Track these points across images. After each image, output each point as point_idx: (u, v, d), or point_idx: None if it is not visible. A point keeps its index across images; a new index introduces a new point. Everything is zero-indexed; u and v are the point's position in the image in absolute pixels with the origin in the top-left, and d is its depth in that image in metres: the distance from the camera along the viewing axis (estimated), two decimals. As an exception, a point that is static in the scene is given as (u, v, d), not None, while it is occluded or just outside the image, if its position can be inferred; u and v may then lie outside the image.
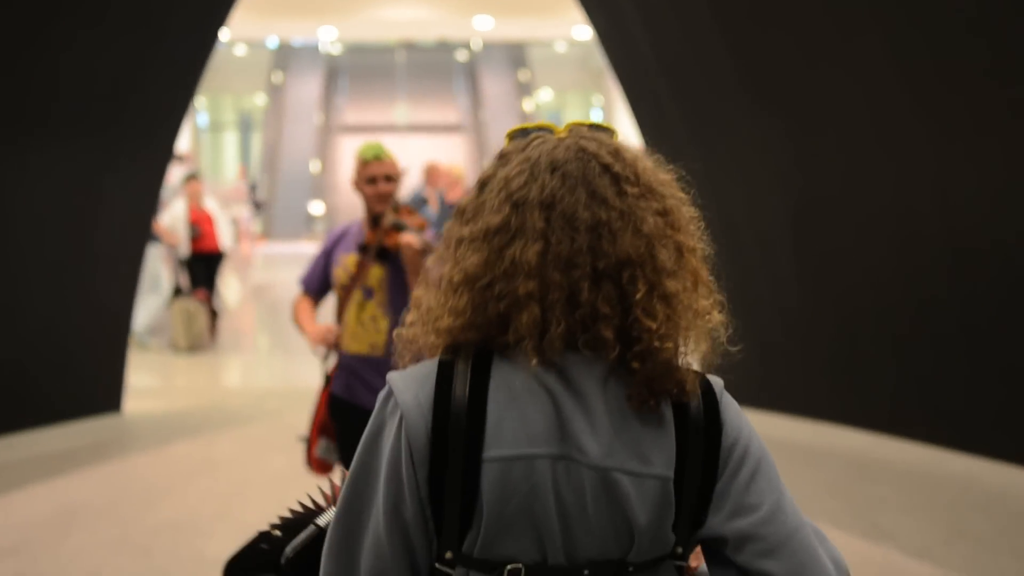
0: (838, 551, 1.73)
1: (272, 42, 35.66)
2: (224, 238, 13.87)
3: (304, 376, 11.75)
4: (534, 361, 1.64)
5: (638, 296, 1.65)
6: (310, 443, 4.96)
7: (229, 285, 19.06)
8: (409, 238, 4.55)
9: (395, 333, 1.82)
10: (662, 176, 1.78)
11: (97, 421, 8.87)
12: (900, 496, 6.86)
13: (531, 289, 1.64)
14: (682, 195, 1.80)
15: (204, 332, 13.20)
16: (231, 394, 11.11)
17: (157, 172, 9.62)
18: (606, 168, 1.71)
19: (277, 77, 38.84)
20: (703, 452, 1.68)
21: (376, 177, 4.79)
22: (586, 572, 1.66)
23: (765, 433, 6.55)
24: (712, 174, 9.30)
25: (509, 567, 1.65)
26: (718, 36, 8.63)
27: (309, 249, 30.75)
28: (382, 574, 1.68)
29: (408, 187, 12.11)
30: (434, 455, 1.64)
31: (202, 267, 13.62)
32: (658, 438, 1.66)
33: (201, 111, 37.76)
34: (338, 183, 35.41)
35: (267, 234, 33.36)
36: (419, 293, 1.80)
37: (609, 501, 1.63)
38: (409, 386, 1.69)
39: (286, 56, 39.03)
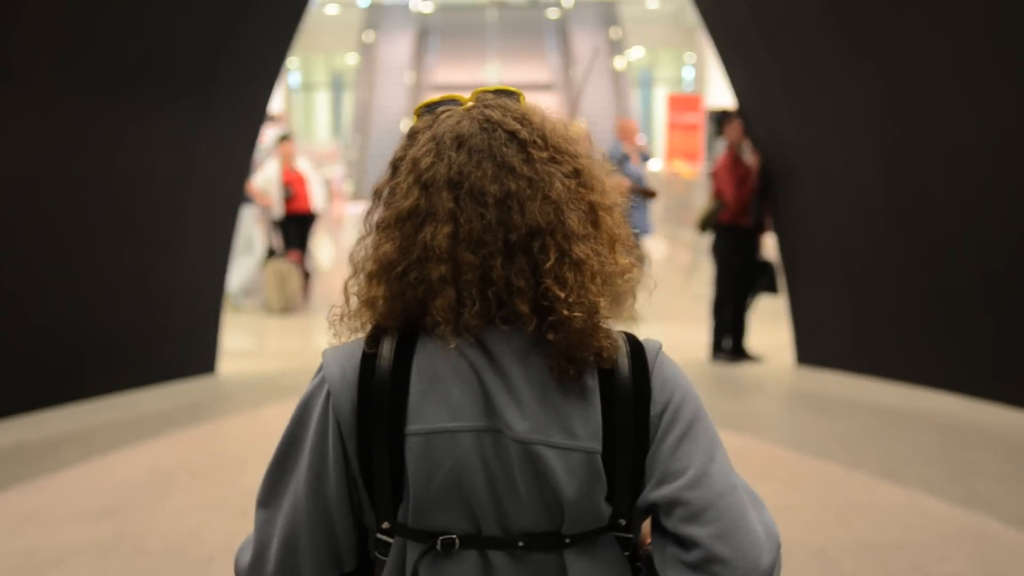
0: (771, 518, 1.69)
1: (364, 1, 35.71)
2: (317, 199, 13.94)
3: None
4: (453, 344, 1.64)
5: (547, 265, 1.63)
6: None
7: (321, 246, 19.19)
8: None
9: (327, 317, 1.84)
10: (571, 135, 1.76)
11: (193, 383, 9.00)
12: (998, 463, 6.75)
13: (444, 272, 1.64)
14: (595, 151, 1.78)
15: (297, 293, 13.30)
16: (295, 355, 11.18)
17: (251, 132, 9.68)
18: (512, 135, 1.70)
19: (368, 36, 38.97)
20: (632, 421, 1.67)
21: None
22: (520, 543, 1.68)
23: (857, 397, 6.49)
24: (806, 131, 9.19)
25: (443, 538, 1.67)
26: (813, -8, 8.52)
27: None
28: (295, 534, 1.72)
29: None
30: (360, 429, 1.67)
31: (295, 228, 13.71)
32: (583, 409, 1.65)
33: (293, 71, 37.98)
34: (429, 142, 35.52)
35: (358, 194, 33.55)
36: (346, 278, 1.80)
37: (535, 474, 1.63)
38: (337, 361, 1.72)
39: (377, 15, 39.16)
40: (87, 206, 7.80)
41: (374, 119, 36.73)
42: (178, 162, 8.59)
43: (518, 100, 1.80)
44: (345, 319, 1.78)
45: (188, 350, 9.21)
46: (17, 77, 7.05)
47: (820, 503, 5.99)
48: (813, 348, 9.59)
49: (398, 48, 39.06)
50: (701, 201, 17.22)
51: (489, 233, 1.63)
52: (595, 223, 1.70)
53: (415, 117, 1.82)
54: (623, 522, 1.70)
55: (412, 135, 1.77)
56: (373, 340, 1.72)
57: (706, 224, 10.01)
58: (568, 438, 1.63)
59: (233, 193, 9.63)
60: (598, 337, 1.66)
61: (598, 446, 1.64)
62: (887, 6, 7.89)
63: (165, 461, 6.89)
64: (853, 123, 8.59)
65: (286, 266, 13.18)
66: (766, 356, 10.09)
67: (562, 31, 39.91)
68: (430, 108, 1.81)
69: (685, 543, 1.64)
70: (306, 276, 13.86)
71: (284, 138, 14.12)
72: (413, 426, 1.65)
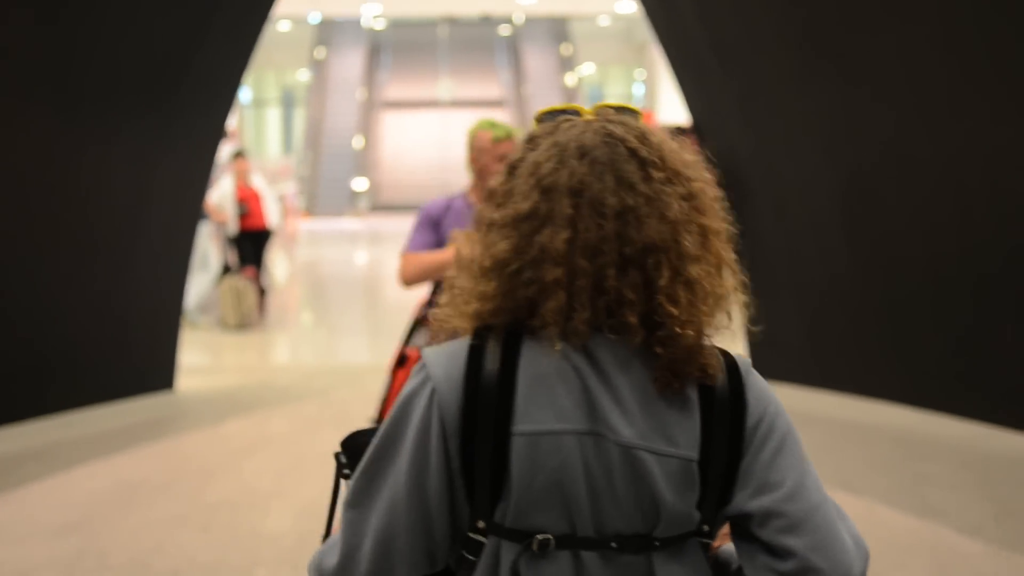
0: (857, 530, 1.77)
1: (315, 17, 35.71)
2: (271, 215, 13.95)
3: (351, 353, 11.86)
4: (558, 346, 1.68)
5: (662, 282, 1.68)
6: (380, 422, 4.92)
7: (276, 262, 19.17)
8: None
9: (430, 314, 1.88)
10: (687, 158, 1.80)
11: (152, 399, 8.98)
12: (950, 473, 6.87)
13: (558, 276, 1.68)
14: (707, 176, 1.82)
15: (253, 310, 13.29)
16: (281, 372, 11.21)
17: (210, 150, 9.69)
18: (633, 153, 1.74)
19: (320, 53, 38.98)
20: (728, 432, 1.72)
21: (507, 155, 4.82)
22: (613, 544, 1.71)
23: (813, 410, 6.62)
24: (761, 148, 9.29)
25: (539, 537, 1.70)
26: (764, 8, 8.61)
27: (352, 225, 30.93)
28: (391, 534, 1.73)
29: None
30: (465, 428, 1.69)
31: (250, 245, 13.70)
32: (683, 419, 1.70)
33: (244, 87, 37.91)
34: (381, 159, 35.53)
35: (311, 211, 33.52)
36: (452, 275, 1.84)
37: (635, 478, 1.68)
38: (441, 361, 1.74)
39: (329, 31, 39.16)
40: (47, 223, 7.80)
41: (326, 135, 36.72)
42: (138, 179, 8.59)
43: (638, 118, 1.84)
44: (449, 308, 1.82)
45: (147, 366, 9.20)
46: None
47: (778, 514, 6.06)
48: (768, 362, 9.65)
49: (349, 64, 39.08)
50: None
51: (606, 244, 1.68)
52: (706, 245, 1.75)
53: (535, 123, 1.86)
54: (706, 528, 1.75)
55: (532, 140, 1.82)
56: (477, 343, 1.74)
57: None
58: (669, 445, 1.69)
59: (192, 210, 9.63)
60: (704, 355, 1.72)
61: (695, 454, 1.70)
62: (841, 26, 8.00)
63: (127, 476, 6.89)
64: (807, 140, 8.70)
65: (241, 282, 13.16)
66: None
67: (513, 47, 40.08)
68: (551, 116, 1.85)
69: (779, 553, 1.70)
70: (262, 292, 13.86)
71: (239, 155, 14.11)
72: (520, 426, 1.68)
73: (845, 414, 8.24)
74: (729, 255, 1.82)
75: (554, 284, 1.68)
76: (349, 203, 33.97)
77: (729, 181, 7.40)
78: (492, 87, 38.72)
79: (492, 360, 1.71)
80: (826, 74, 8.27)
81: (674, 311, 1.68)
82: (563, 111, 1.85)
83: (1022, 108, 7.08)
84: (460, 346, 1.76)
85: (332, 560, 1.79)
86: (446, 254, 4.78)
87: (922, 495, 6.43)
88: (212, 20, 8.78)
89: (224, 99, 9.61)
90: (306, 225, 30.19)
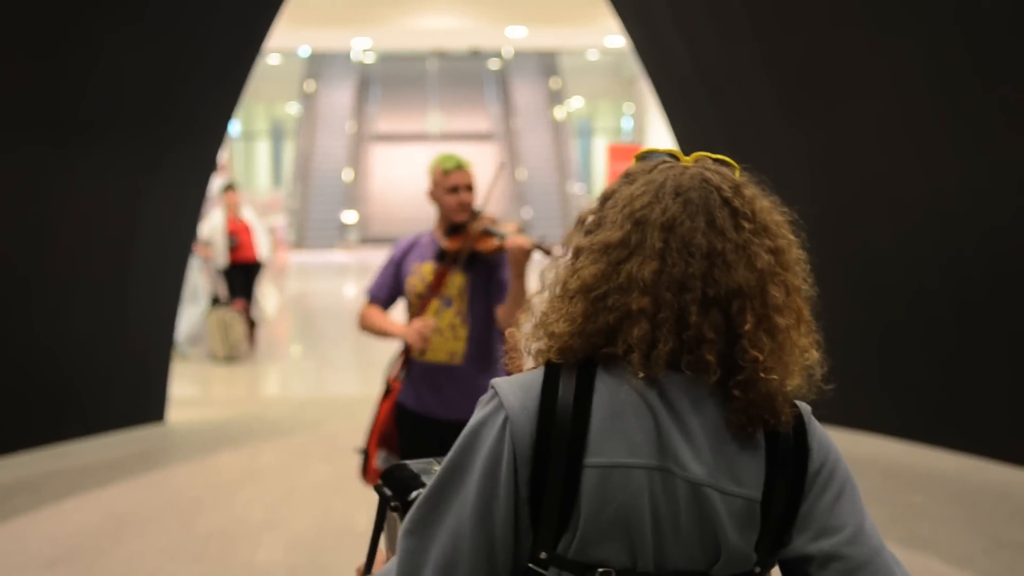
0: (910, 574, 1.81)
1: (304, 51, 35.81)
2: (261, 248, 13.97)
3: (341, 385, 11.87)
4: (641, 374, 1.71)
5: (747, 327, 1.72)
6: (368, 455, 4.94)
7: (266, 295, 19.17)
8: (520, 239, 4.54)
9: (508, 332, 1.91)
10: (776, 217, 1.86)
11: (142, 431, 8.99)
12: (939, 505, 6.90)
13: (644, 305, 1.71)
14: (793, 237, 1.87)
15: (241, 341, 13.28)
16: (271, 404, 11.21)
17: (200, 182, 9.72)
18: (726, 201, 1.79)
19: (309, 86, 39.03)
20: (791, 476, 1.75)
21: (458, 186, 4.85)
22: None
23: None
24: (748, 180, 9.34)
25: (600, 570, 1.71)
26: (752, 43, 8.69)
27: (342, 258, 30.95)
28: (454, 561, 1.72)
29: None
30: (537, 458, 1.70)
31: (240, 277, 13.71)
32: (750, 460, 1.73)
33: (234, 120, 37.98)
34: (371, 192, 35.56)
35: (300, 243, 33.51)
36: (535, 296, 1.87)
37: (700, 515, 1.70)
38: (515, 391, 1.76)
39: (318, 65, 39.23)
40: (36, 254, 7.82)
41: (315, 168, 36.74)
42: (129, 211, 8.62)
43: (735, 171, 1.91)
44: (529, 328, 1.85)
45: (138, 398, 9.21)
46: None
47: (768, 545, 6.08)
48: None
49: (339, 98, 39.13)
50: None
51: (691, 281, 1.71)
52: (789, 300, 1.80)
53: (635, 161, 1.91)
54: (758, 570, 1.78)
55: (628, 175, 1.87)
56: (552, 374, 1.77)
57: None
58: (735, 485, 1.71)
59: (183, 243, 9.65)
60: (781, 403, 1.76)
61: (759, 495, 1.73)
62: (829, 60, 8.08)
63: (118, 508, 6.90)
64: (795, 173, 8.75)
65: (228, 314, 13.15)
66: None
67: (502, 81, 40.17)
68: (650, 155, 1.91)
69: None
70: (251, 325, 13.86)
71: (229, 187, 14.13)
72: (592, 459, 1.69)
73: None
74: (807, 313, 1.86)
75: (639, 312, 1.71)
76: (338, 236, 33.97)
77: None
78: (481, 120, 38.79)
79: (567, 391, 1.73)
80: (813, 107, 8.34)
81: (759, 356, 1.72)
82: (664, 153, 1.91)
83: (1009, 145, 7.14)
84: (534, 376, 1.78)
85: None
86: (396, 328, 4.86)
87: (911, 527, 6.46)
88: (203, 54, 8.83)
89: (214, 132, 9.65)
90: (296, 257, 30.20)
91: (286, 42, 30.48)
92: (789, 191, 7.12)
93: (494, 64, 40.22)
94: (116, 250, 8.61)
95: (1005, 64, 7.01)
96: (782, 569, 1.83)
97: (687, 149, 6.96)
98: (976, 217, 7.46)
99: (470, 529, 1.72)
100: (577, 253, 1.82)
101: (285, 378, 13.15)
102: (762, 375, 1.72)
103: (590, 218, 1.85)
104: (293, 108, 41.34)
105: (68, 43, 7.58)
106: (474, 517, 1.72)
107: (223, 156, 20.90)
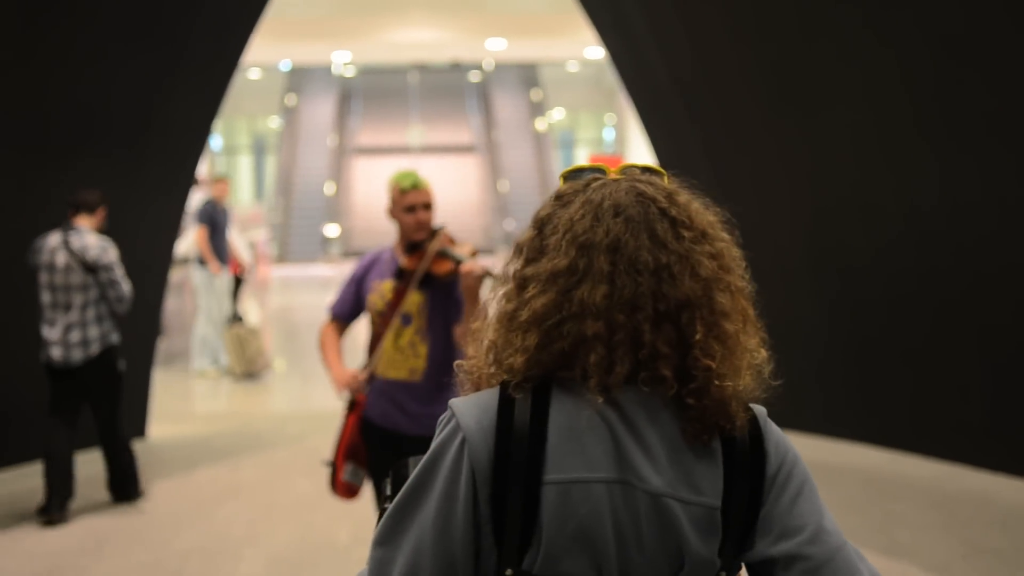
0: (876, 569, 1.81)
1: (285, 65, 35.82)
2: (243, 262, 13.94)
3: (324, 400, 11.82)
4: (600, 399, 1.72)
5: (697, 337, 1.74)
6: (336, 468, 4.95)
7: (248, 309, 19.14)
8: (471, 266, 4.53)
9: (456, 364, 1.91)
10: (711, 218, 1.87)
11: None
12: (918, 513, 6.93)
13: (598, 330, 1.73)
14: (728, 236, 1.89)
15: (259, 356, 13.21)
16: (253, 418, 11.19)
17: (180, 195, 9.71)
18: (664, 212, 1.80)
19: (291, 100, 39.05)
20: (749, 480, 1.77)
21: (415, 205, 4.83)
22: None
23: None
24: (727, 191, 9.37)
25: None
26: (729, 52, 8.72)
27: (325, 272, 30.94)
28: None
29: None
30: (496, 477, 1.72)
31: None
32: (708, 469, 1.75)
33: (215, 134, 37.92)
34: (353, 205, 35.55)
35: (283, 257, 33.49)
36: (479, 326, 1.89)
37: (662, 526, 1.72)
38: (472, 411, 1.78)
39: (299, 79, 39.25)
40: (12, 267, 7.80)
41: (297, 182, 36.76)
42: (109, 225, 8.60)
43: (663, 178, 1.90)
44: (478, 360, 1.86)
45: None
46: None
47: (748, 555, 6.09)
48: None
49: (320, 111, 39.16)
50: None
51: (642, 299, 1.73)
52: (734, 303, 1.82)
53: (562, 180, 1.92)
54: (724, 574, 1.79)
55: (560, 197, 1.87)
56: (507, 393, 1.78)
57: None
58: (694, 493, 1.73)
59: (163, 256, 9.64)
60: (735, 408, 1.78)
61: (719, 502, 1.74)
62: (805, 69, 8.12)
63: (99, 524, 6.88)
64: (773, 182, 8.79)
65: (244, 330, 13.12)
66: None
67: (484, 93, 40.22)
68: (577, 173, 1.91)
69: None
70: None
71: (220, 179, 14.05)
72: (551, 475, 1.71)
73: (813, 455, 8.26)
74: (752, 312, 1.89)
75: (594, 338, 1.73)
76: (321, 249, 33.96)
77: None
78: (463, 133, 38.83)
79: (523, 411, 1.75)
80: (790, 116, 8.38)
81: (710, 363, 1.74)
82: (590, 169, 1.91)
83: (989, 160, 7.19)
84: (490, 397, 1.80)
85: None
86: (333, 371, 4.93)
87: (891, 534, 6.48)
88: (180, 67, 8.83)
89: (194, 146, 9.65)
90: (278, 271, 30.17)
91: (267, 56, 30.44)
92: (766, 199, 7.19)
93: (475, 76, 40.27)
94: (95, 266, 8.59)
95: (982, 73, 7.05)
96: (749, 572, 1.84)
97: (665, 159, 7.04)
98: (953, 226, 7.50)
99: (430, 547, 1.75)
100: (523, 283, 1.82)
101: (267, 392, 13.12)
102: (715, 382, 1.74)
103: (530, 246, 1.85)
104: (275, 122, 41.34)
105: (44, 56, 7.58)
106: (434, 535, 1.74)
107: (203, 170, 20.87)
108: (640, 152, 25.90)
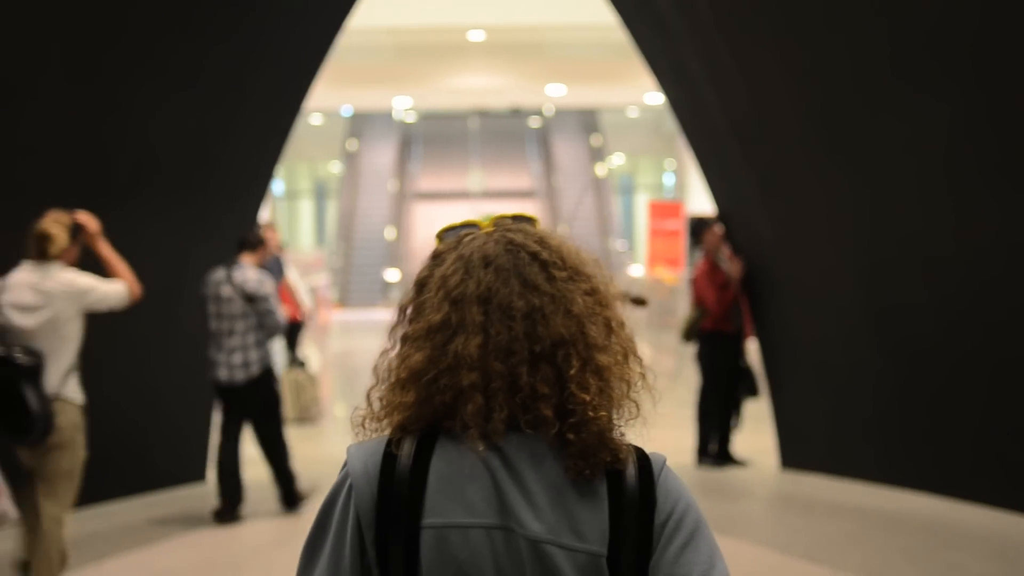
0: None
1: (347, 110, 36.12)
2: (304, 307, 14.01)
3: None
4: (481, 447, 1.76)
5: (572, 371, 1.77)
6: None
7: (309, 354, 19.24)
8: None
9: (350, 419, 1.95)
10: (585, 258, 1.91)
11: (183, 491, 9.05)
12: (979, 562, 6.84)
13: (474, 380, 1.77)
14: (607, 273, 1.92)
15: (314, 403, 13.30)
16: (313, 463, 11.21)
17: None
18: (534, 256, 1.85)
19: (352, 145, 39.31)
20: (636, 528, 1.78)
21: None
22: None
23: (838, 499, 6.62)
24: (783, 236, 9.36)
25: None
26: (786, 98, 8.73)
27: (385, 316, 30.95)
28: None
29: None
30: (379, 521, 1.77)
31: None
32: (592, 514, 1.76)
33: (277, 179, 38.24)
34: (413, 250, 35.67)
35: (343, 302, 33.65)
36: (369, 386, 1.93)
37: (544, 572, 1.73)
38: (360, 456, 1.83)
39: (361, 124, 39.49)
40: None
41: (358, 227, 36.96)
42: (169, 270, 8.70)
43: (534, 224, 1.96)
44: (368, 422, 1.90)
45: (178, 458, 9.27)
46: (10, 189, 7.21)
47: (805, 604, 6.05)
48: (797, 451, 9.67)
49: (381, 156, 39.39)
50: (683, 306, 17.37)
51: (516, 344, 1.77)
52: (611, 336, 1.85)
53: (437, 240, 1.97)
54: None
55: (437, 256, 1.92)
56: (396, 440, 1.82)
57: (690, 335, 10.20)
58: (577, 540, 1.74)
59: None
60: (615, 441, 1.80)
61: (604, 550, 1.75)
62: (861, 113, 8.09)
63: (159, 569, 6.94)
64: (829, 228, 8.77)
65: (302, 376, 13.22)
66: (751, 460, 10.17)
67: (544, 139, 40.34)
68: (452, 231, 1.96)
69: None
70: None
71: (268, 226, 14.16)
72: (429, 520, 1.75)
73: (871, 503, 8.22)
74: (633, 345, 1.90)
75: (471, 388, 1.77)
76: (381, 294, 34.09)
77: (753, 269, 7.57)
78: (523, 178, 38.95)
79: (406, 456, 1.79)
80: (847, 162, 8.36)
81: (585, 397, 1.76)
82: (463, 226, 1.96)
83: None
84: (378, 443, 1.84)
85: None
86: None
87: (950, 585, 6.41)
88: (243, 112, 8.95)
89: (255, 191, 9.76)
90: (339, 316, 30.30)
91: (328, 102, 30.72)
92: (824, 245, 7.15)
93: (535, 122, 40.39)
94: (155, 310, 8.64)
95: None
96: None
97: (723, 204, 7.04)
98: (1011, 270, 7.42)
99: None
100: (404, 342, 1.88)
101: (327, 437, 13.16)
102: (591, 414, 1.76)
103: (410, 306, 1.91)
104: (336, 167, 41.65)
105: (108, 100, 7.71)
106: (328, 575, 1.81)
107: (265, 215, 21.05)
108: (700, 198, 25.85)
